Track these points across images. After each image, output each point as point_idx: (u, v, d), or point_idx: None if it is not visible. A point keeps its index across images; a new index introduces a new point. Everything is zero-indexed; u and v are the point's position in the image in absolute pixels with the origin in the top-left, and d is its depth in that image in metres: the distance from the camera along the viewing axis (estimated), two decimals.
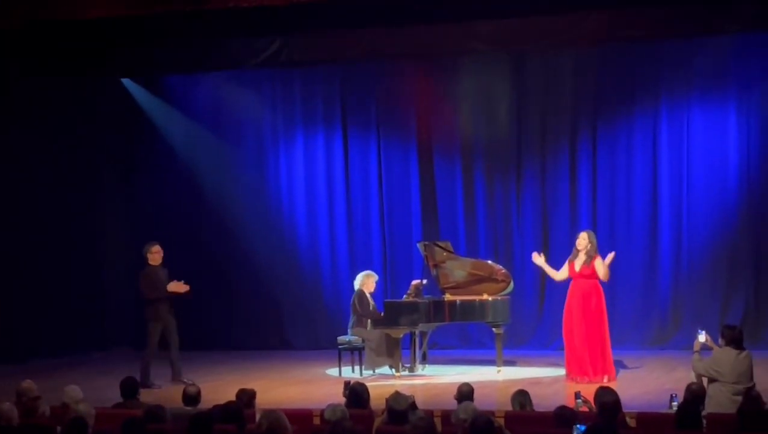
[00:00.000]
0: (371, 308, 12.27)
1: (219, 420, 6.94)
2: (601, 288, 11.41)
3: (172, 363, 11.87)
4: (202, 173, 15.24)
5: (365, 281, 12.41)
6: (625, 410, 7.12)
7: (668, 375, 11.44)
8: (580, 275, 11.33)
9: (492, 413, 7.21)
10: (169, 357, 11.89)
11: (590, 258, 11.30)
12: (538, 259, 11.76)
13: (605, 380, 11.06)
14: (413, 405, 7.13)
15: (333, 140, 14.94)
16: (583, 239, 11.43)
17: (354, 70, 14.70)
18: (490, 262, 12.58)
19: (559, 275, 11.60)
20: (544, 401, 9.13)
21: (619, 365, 12.34)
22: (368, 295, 12.35)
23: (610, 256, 11.36)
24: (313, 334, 14.82)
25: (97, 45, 12.30)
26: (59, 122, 14.59)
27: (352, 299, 12.39)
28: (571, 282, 11.44)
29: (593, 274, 11.30)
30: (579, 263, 11.35)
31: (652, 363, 12.52)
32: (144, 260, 12.01)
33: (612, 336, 13.80)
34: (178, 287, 11.76)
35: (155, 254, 11.93)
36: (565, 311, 11.46)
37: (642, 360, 12.78)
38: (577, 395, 7.79)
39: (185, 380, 11.30)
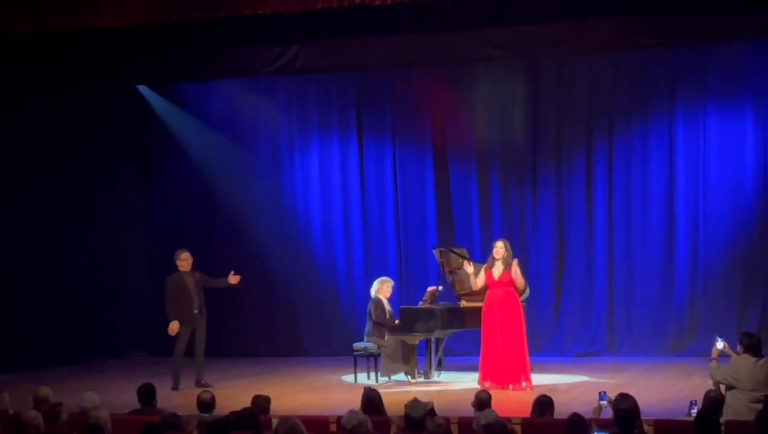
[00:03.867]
0: (387, 316, 12.24)
1: (235, 426, 6.94)
2: (517, 295, 11.51)
3: (196, 368, 11.98)
4: (218, 180, 15.25)
5: (381, 288, 12.38)
6: (642, 417, 7.08)
7: (685, 382, 11.40)
8: (499, 283, 11.43)
9: (508, 420, 7.21)
10: (194, 362, 12.01)
11: (508, 265, 11.40)
12: (469, 268, 11.78)
13: (524, 385, 11.18)
14: (432, 412, 7.11)
15: (348, 147, 14.94)
16: (500, 249, 11.50)
17: (369, 77, 14.70)
18: None
19: (477, 283, 11.63)
20: (560, 407, 9.10)
21: (636, 372, 12.33)
22: (385, 301, 12.30)
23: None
24: (329, 340, 14.81)
25: (112, 53, 12.33)
26: (75, 130, 14.63)
27: (368, 307, 12.39)
28: (488, 290, 11.49)
29: (510, 282, 11.43)
30: (497, 271, 11.44)
31: (668, 370, 12.47)
32: (174, 267, 12.11)
33: (629, 343, 13.91)
34: (233, 279, 12.23)
35: (183, 261, 12.08)
36: (483, 318, 11.48)
37: (659, 366, 12.75)
38: (602, 395, 7.70)
39: (204, 383, 11.50)
